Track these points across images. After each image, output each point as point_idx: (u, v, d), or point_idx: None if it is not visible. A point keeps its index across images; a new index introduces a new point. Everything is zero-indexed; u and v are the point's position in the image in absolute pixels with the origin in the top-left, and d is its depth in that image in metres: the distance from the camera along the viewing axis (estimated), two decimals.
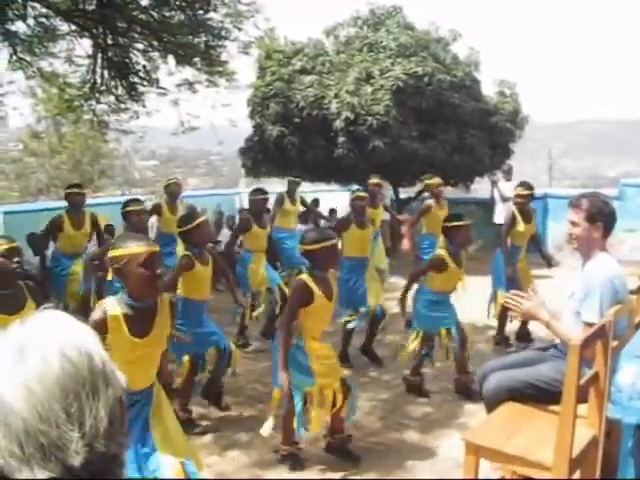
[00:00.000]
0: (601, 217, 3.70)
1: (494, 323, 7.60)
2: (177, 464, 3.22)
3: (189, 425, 5.17)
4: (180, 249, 6.84)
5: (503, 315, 7.24)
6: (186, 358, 5.35)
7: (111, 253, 3.24)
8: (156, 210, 9.08)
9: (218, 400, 5.61)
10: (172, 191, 9.14)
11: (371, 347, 7.06)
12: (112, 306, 3.25)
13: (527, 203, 7.44)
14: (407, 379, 6.04)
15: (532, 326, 7.20)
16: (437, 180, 8.94)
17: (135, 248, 3.18)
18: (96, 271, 6.40)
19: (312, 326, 4.50)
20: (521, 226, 7.38)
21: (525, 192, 7.42)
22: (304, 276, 4.51)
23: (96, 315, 3.20)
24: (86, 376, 0.98)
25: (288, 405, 4.43)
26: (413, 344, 5.90)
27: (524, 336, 7.41)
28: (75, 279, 7.50)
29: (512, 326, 7.43)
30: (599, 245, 3.74)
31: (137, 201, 7.30)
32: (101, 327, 3.09)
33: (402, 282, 9.16)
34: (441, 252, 5.90)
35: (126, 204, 6.96)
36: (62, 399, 0.95)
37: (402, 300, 5.97)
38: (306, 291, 4.40)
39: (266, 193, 8.10)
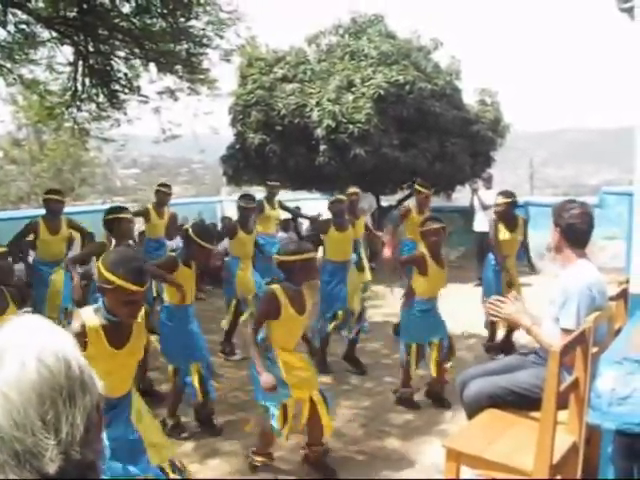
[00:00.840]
0: (560, 221, 3.74)
1: (477, 331, 7.62)
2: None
3: (176, 431, 5.20)
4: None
5: (494, 323, 7.24)
6: (170, 368, 5.32)
7: (101, 268, 3.14)
8: (144, 215, 8.96)
9: (210, 422, 5.52)
10: (161, 198, 9.03)
11: (354, 354, 7.04)
12: (90, 317, 3.20)
13: (508, 211, 7.42)
14: (398, 392, 5.99)
15: (514, 335, 7.23)
16: (426, 191, 8.84)
17: (124, 283, 3.07)
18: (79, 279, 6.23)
19: (280, 338, 4.41)
20: (503, 234, 7.39)
21: (503, 200, 7.42)
22: (275, 287, 4.41)
23: (75, 327, 3.13)
24: (63, 383, 0.97)
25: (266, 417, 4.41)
26: (410, 358, 5.87)
27: (508, 348, 7.40)
28: (55, 291, 7.38)
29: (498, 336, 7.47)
30: (566, 250, 3.77)
31: (124, 208, 7.11)
32: (81, 339, 3.04)
33: (383, 290, 9.26)
34: (422, 250, 5.91)
35: (113, 211, 6.43)
36: (38, 406, 0.94)
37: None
38: (274, 303, 4.32)
39: (254, 199, 8.13)
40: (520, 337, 7.01)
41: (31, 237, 7.58)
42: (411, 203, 9.15)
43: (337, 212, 7.24)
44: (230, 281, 7.61)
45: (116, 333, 3.24)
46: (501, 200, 7.44)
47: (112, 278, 3.09)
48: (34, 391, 0.94)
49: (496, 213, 7.51)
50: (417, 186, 8.56)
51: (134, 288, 3.09)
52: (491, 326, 7.42)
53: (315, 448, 4.61)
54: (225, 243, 8.86)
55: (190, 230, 5.41)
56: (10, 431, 0.92)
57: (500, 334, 7.47)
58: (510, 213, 7.43)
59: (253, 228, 8.08)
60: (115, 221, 5.96)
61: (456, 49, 17.55)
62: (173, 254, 5.46)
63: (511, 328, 7.08)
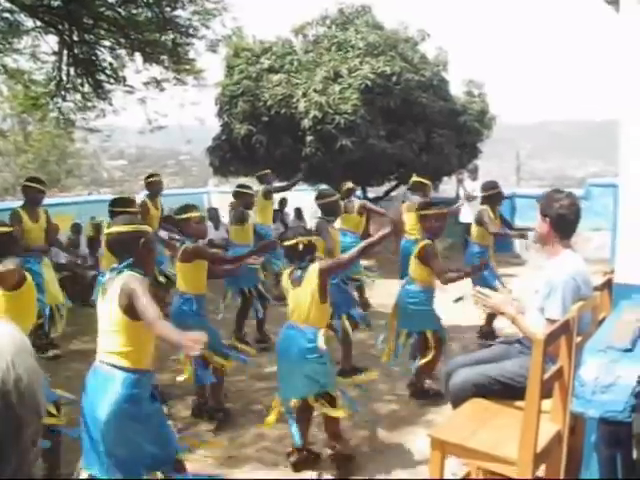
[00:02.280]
0: (549, 212, 3.73)
1: (465, 323, 7.65)
2: None
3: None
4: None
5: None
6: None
7: None
8: (142, 208, 8.78)
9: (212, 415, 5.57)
10: (154, 188, 8.94)
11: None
12: None
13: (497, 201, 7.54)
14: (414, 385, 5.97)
15: (498, 324, 7.26)
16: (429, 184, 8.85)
17: None
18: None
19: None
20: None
21: (495, 191, 7.58)
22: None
23: None
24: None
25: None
26: (402, 341, 5.88)
27: (488, 334, 7.44)
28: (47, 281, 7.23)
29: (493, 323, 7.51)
30: (554, 241, 3.77)
31: (130, 200, 7.09)
32: None
33: (385, 283, 9.21)
34: (429, 242, 5.88)
35: (118, 203, 6.63)
36: None
37: None
38: None
39: (251, 189, 8.22)
40: (506, 326, 7.02)
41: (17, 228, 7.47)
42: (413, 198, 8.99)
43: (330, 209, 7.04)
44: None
45: None
46: (492, 191, 7.51)
47: None
48: None
49: (483, 204, 7.57)
50: (416, 179, 8.60)
51: None
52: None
53: (334, 444, 4.60)
54: (223, 233, 8.79)
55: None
56: None
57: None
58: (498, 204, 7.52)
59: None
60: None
61: (443, 40, 17.54)
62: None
63: (492, 315, 7.14)
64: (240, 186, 8.29)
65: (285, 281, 4.60)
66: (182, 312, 5.41)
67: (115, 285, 3.38)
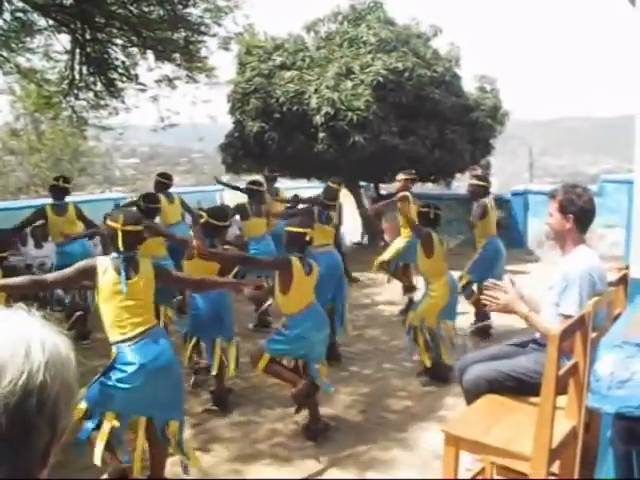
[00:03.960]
0: (572, 208, 3.69)
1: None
2: None
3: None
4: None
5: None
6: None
7: None
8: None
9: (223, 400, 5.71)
10: (158, 187, 8.94)
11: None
12: None
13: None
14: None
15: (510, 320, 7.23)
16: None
17: None
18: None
19: None
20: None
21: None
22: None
23: None
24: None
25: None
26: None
27: (483, 331, 7.44)
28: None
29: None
30: (573, 237, 3.74)
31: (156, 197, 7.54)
32: None
33: (383, 277, 9.23)
34: (429, 230, 6.14)
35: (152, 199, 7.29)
36: None
37: None
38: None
39: (262, 184, 8.54)
40: (518, 322, 7.01)
41: (40, 222, 7.97)
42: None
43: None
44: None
45: None
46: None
47: None
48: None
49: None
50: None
51: None
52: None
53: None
54: (236, 230, 8.82)
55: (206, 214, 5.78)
56: None
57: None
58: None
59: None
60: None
61: (455, 36, 17.49)
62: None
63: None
64: (252, 183, 8.39)
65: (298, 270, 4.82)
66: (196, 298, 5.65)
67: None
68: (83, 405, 3.68)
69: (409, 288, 8.58)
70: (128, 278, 3.78)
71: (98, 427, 3.71)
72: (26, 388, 0.93)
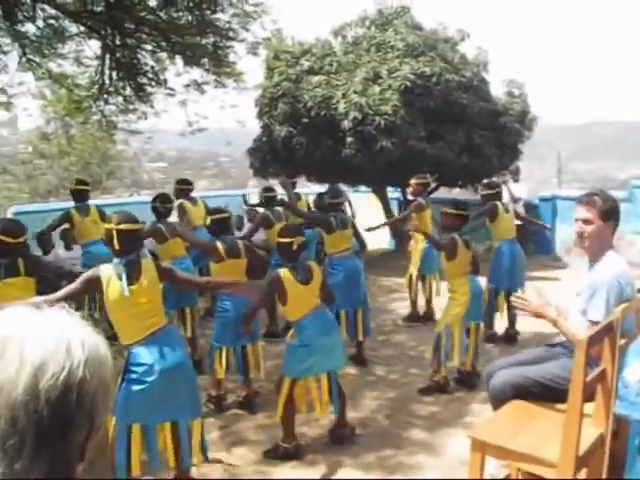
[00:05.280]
0: (614, 215, 3.67)
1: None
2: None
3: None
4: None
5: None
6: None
7: None
8: (180, 208, 8.92)
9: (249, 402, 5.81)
10: (179, 194, 9.03)
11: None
12: None
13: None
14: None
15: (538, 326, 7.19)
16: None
17: None
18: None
19: None
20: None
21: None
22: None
23: None
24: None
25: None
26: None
27: (510, 337, 7.42)
28: None
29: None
30: (609, 243, 3.71)
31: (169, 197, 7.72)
32: None
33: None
34: (453, 236, 6.06)
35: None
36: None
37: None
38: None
39: (274, 190, 8.62)
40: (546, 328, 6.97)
41: (66, 226, 8.25)
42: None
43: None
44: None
45: None
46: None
47: None
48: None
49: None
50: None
51: None
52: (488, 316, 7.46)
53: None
54: (262, 235, 8.87)
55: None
56: None
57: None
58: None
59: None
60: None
61: (483, 40, 17.40)
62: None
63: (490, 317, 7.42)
64: (267, 190, 8.48)
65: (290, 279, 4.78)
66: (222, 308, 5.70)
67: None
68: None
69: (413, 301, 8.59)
70: (131, 283, 3.79)
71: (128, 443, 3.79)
72: (67, 383, 0.96)
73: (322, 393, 4.74)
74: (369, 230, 8.00)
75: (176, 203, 8.53)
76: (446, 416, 5.48)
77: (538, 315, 3.69)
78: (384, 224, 9.49)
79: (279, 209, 8.15)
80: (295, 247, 4.80)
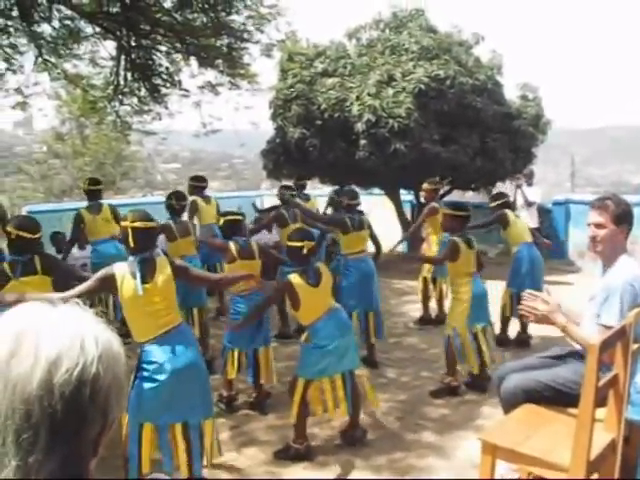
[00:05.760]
0: (627, 219, 3.65)
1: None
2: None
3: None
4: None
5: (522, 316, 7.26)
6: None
7: None
8: (192, 205, 8.96)
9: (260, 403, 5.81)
10: (193, 191, 9.11)
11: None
12: None
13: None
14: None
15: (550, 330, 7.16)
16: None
17: None
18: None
19: None
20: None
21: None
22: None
23: None
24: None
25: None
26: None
27: (522, 341, 7.40)
28: None
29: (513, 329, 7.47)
30: (623, 247, 3.69)
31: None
32: None
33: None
34: (454, 238, 6.03)
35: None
36: None
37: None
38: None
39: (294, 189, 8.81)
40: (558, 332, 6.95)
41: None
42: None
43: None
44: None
45: None
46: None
47: None
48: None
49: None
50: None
51: None
52: (503, 319, 7.44)
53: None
54: (275, 236, 8.88)
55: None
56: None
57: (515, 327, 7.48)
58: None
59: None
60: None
61: (497, 44, 17.37)
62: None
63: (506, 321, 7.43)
64: (284, 187, 8.56)
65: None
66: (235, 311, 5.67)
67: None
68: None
69: (425, 304, 8.61)
70: (145, 282, 3.82)
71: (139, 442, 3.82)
72: (80, 379, 0.97)
73: (337, 394, 4.74)
74: (392, 250, 8.03)
75: (189, 200, 8.57)
76: (457, 419, 5.47)
77: (546, 321, 3.62)
78: (403, 239, 9.49)
79: (296, 210, 8.15)
80: (305, 251, 4.80)
